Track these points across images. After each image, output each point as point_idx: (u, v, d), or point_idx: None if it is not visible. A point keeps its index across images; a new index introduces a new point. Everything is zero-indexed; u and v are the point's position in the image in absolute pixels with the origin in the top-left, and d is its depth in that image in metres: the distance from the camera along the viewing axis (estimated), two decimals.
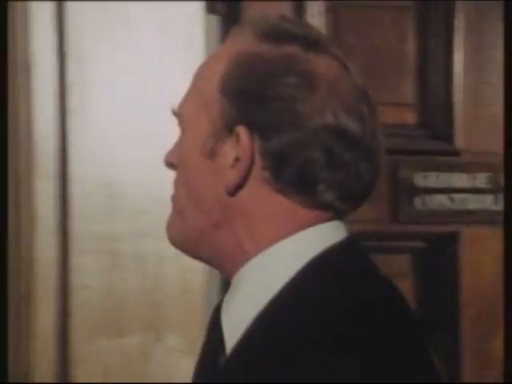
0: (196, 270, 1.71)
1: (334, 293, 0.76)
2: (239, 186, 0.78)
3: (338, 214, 0.81)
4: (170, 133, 0.92)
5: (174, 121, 0.84)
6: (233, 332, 0.78)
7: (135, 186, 1.68)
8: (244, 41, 0.80)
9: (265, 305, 0.76)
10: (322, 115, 0.76)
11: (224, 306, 0.81)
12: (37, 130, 1.64)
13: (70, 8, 1.64)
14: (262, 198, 0.78)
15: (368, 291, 0.78)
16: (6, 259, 2.29)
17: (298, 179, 0.77)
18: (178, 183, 0.84)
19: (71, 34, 1.65)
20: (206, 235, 0.81)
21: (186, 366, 1.81)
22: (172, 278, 1.78)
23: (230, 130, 0.77)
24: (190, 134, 0.82)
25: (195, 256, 0.85)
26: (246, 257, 0.80)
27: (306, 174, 0.77)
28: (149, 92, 1.70)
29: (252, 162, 0.77)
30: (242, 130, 0.77)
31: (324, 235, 0.79)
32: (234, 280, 0.81)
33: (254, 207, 0.79)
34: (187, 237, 0.83)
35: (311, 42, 0.79)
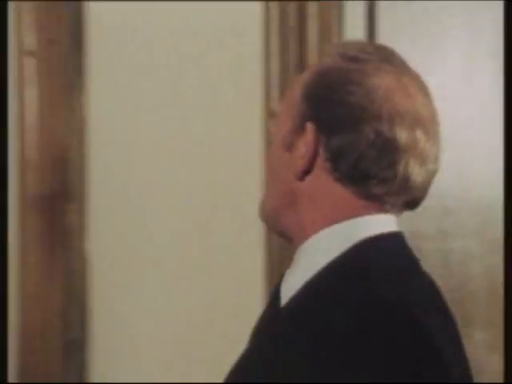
0: (500, 269, 1.71)
1: (362, 276, 0.87)
2: (306, 173, 0.92)
3: (388, 209, 0.91)
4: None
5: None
6: (287, 293, 0.92)
7: (441, 186, 1.74)
8: (328, 58, 0.95)
9: (311, 277, 0.90)
10: (377, 122, 0.88)
11: (285, 276, 0.95)
12: None
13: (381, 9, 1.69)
14: (323, 184, 0.91)
15: (390, 284, 0.86)
16: (6, 259, 2.38)
17: (353, 172, 0.89)
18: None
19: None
20: (279, 213, 0.96)
21: (495, 361, 1.83)
22: (477, 276, 1.80)
23: (303, 127, 0.92)
24: (278, 130, 0.99)
25: (274, 230, 1.01)
26: (304, 236, 0.93)
27: (360, 168, 0.89)
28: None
29: (316, 154, 0.91)
30: (309, 127, 0.91)
31: (370, 225, 0.91)
32: (295, 256, 0.94)
33: (315, 192, 0.92)
34: (267, 213, 0.99)
35: (380, 60, 0.91)
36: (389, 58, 0.93)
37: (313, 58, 1.29)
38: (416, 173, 0.89)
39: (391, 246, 0.91)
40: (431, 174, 0.93)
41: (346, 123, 0.89)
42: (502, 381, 1.46)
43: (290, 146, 0.94)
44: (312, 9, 1.32)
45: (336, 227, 0.91)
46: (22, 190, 1.87)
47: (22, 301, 1.91)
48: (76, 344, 1.80)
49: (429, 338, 0.83)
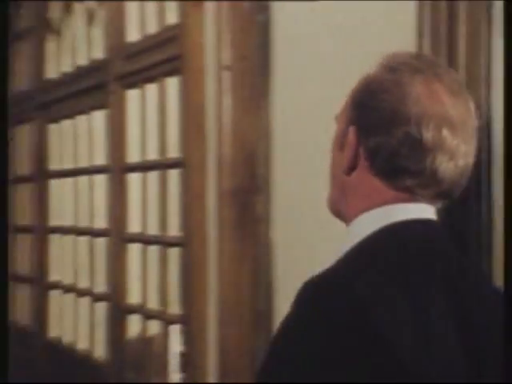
0: None
1: (380, 252, 1.00)
2: (351, 169, 1.08)
3: (419, 200, 1.03)
4: None
5: None
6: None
7: None
8: (375, 69, 1.07)
9: (347, 251, 1.04)
10: (406, 125, 1.00)
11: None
12: None
13: None
14: (364, 179, 1.06)
15: (365, 265, 0.99)
16: (6, 259, 2.27)
17: (386, 168, 1.03)
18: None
19: None
20: (336, 202, 1.14)
21: None
22: None
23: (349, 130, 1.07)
24: (336, 132, 1.13)
25: (336, 216, 1.16)
26: (350, 219, 1.09)
27: (392, 164, 1.02)
28: None
29: (357, 153, 1.06)
30: (351, 130, 1.07)
31: (398, 212, 1.03)
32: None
33: (358, 185, 1.07)
34: (330, 203, 1.16)
35: (415, 70, 1.03)
36: (424, 68, 1.04)
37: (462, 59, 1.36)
38: (444, 167, 1.00)
39: (411, 231, 1.03)
40: (462, 169, 1.03)
41: (380, 126, 1.03)
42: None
43: (341, 147, 1.10)
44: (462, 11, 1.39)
45: (371, 213, 1.05)
46: (219, 184, 2.10)
47: (219, 282, 2.14)
48: (263, 315, 1.97)
49: (364, 315, 0.92)
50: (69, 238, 3.28)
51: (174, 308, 2.50)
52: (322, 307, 0.95)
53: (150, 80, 2.57)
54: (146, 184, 2.65)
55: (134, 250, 2.75)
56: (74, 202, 3.23)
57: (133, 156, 2.71)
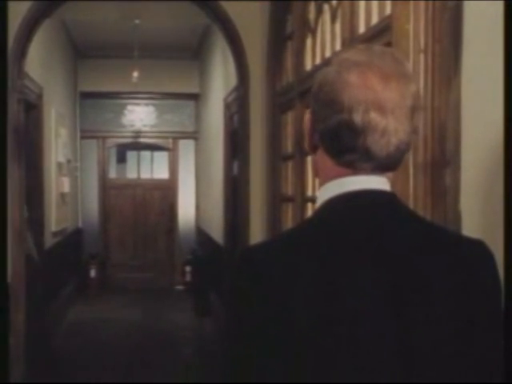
0: None
1: (324, 216, 1.08)
2: (311, 150, 1.16)
3: (362, 173, 1.08)
4: None
5: None
6: None
7: None
8: (330, 65, 1.11)
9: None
10: (340, 112, 1.05)
11: None
12: None
13: None
14: (321, 158, 1.13)
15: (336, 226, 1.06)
16: (5, 255, 1.94)
17: (331, 148, 1.09)
18: None
19: None
20: (317, 177, 1.19)
21: None
22: None
23: None
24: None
25: None
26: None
27: (334, 145, 1.09)
28: None
29: (313, 137, 1.13)
30: (307, 118, 1.15)
31: (342, 184, 1.09)
32: None
33: (319, 164, 1.15)
34: (317, 178, 1.21)
35: (353, 63, 1.06)
36: (361, 60, 1.06)
37: None
38: (376, 144, 1.05)
39: (349, 201, 1.08)
40: (395, 145, 1.05)
41: (323, 114, 1.08)
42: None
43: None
44: None
45: (325, 186, 1.12)
46: (414, 157, 2.07)
47: None
48: None
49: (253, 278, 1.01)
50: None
51: None
52: (236, 274, 1.05)
53: None
54: None
55: None
56: None
57: None
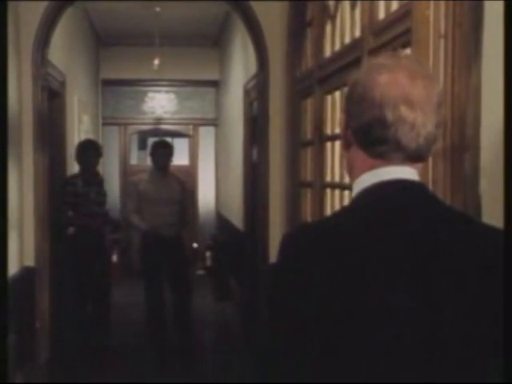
0: None
1: (360, 204, 1.17)
2: (346, 147, 1.24)
3: (394, 163, 1.16)
4: None
5: None
6: None
7: None
8: (359, 71, 1.22)
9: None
10: (372, 108, 1.14)
11: None
12: None
13: None
14: (355, 153, 1.21)
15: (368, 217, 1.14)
16: (5, 255, 1.92)
17: (364, 142, 1.18)
18: None
19: None
20: (349, 171, 1.26)
21: None
22: None
23: None
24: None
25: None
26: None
27: (367, 139, 1.17)
28: None
29: (347, 134, 1.21)
30: (342, 117, 1.25)
31: (378, 174, 1.17)
32: None
33: (353, 158, 1.22)
34: (347, 172, 1.28)
35: (382, 66, 1.17)
36: (390, 63, 1.17)
37: None
38: (406, 136, 1.13)
39: (383, 190, 1.16)
40: (424, 136, 1.14)
41: (356, 111, 1.17)
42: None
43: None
44: None
45: (360, 178, 1.20)
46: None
47: None
48: None
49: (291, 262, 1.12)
50: (337, 192, 3.43)
51: None
52: (282, 255, 1.14)
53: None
54: None
55: None
56: (340, 161, 3.36)
57: None
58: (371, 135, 1.16)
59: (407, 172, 1.17)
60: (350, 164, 1.24)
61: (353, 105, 1.19)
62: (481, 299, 1.10)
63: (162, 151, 5.23)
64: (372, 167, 1.18)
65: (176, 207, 5.17)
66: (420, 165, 1.20)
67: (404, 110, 1.12)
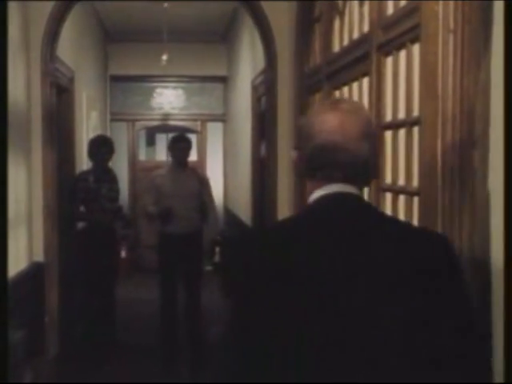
0: None
1: (305, 212, 1.49)
2: (299, 177, 1.58)
3: (335, 181, 1.40)
4: None
5: None
6: None
7: None
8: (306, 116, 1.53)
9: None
10: (313, 142, 1.42)
11: None
12: None
13: None
14: (308, 182, 1.46)
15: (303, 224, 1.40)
16: (5, 256, 1.92)
17: (312, 169, 1.44)
18: None
19: None
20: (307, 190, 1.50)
21: None
22: None
23: None
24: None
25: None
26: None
27: (313, 165, 1.43)
28: None
29: (298, 166, 1.49)
30: (293, 153, 1.51)
31: (323, 190, 1.41)
32: None
33: (307, 182, 1.47)
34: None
35: (325, 107, 1.48)
36: (327, 105, 1.49)
37: None
38: (341, 160, 1.39)
39: (327, 200, 1.39)
40: (357, 159, 1.39)
41: (303, 146, 1.45)
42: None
43: None
44: None
45: (312, 195, 1.43)
46: (442, 138, 2.06)
47: (442, 230, 2.11)
48: (480, 264, 1.91)
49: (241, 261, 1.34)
50: None
51: None
52: (233, 252, 1.47)
53: (401, 47, 2.57)
54: (397, 140, 2.67)
55: (387, 198, 2.79)
56: None
57: (389, 115, 2.75)
58: (316, 162, 1.42)
59: (347, 187, 1.41)
60: (308, 190, 1.48)
61: (301, 141, 1.47)
62: (411, 298, 1.27)
63: (181, 145, 5.16)
64: (320, 186, 1.42)
65: (194, 202, 5.10)
66: (363, 184, 1.47)
67: (338, 139, 1.39)
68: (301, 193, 4.17)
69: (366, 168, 1.42)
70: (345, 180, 1.40)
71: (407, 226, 1.51)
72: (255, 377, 1.25)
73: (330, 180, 1.40)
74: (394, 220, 1.51)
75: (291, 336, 1.25)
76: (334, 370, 1.24)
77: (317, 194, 1.41)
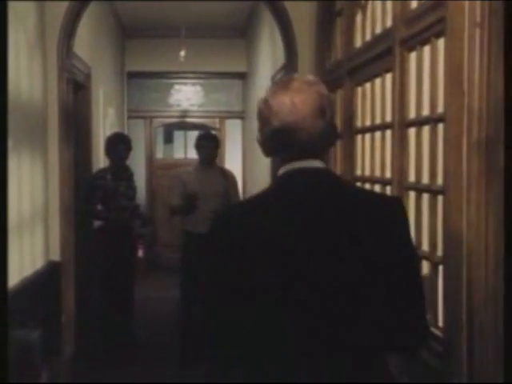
0: None
1: (277, 185, 1.60)
2: (267, 155, 1.64)
3: (297, 157, 1.54)
4: None
5: None
6: None
7: None
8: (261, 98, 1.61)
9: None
10: (271, 122, 1.54)
11: None
12: None
13: None
14: (275, 157, 1.63)
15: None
16: (6, 257, 1.91)
17: (273, 149, 1.60)
18: None
19: None
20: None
21: None
22: None
23: None
24: None
25: None
26: None
27: (274, 147, 1.58)
28: None
29: (264, 145, 1.63)
30: (258, 134, 1.63)
31: (285, 169, 1.56)
32: None
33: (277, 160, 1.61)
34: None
35: (279, 86, 1.57)
36: (286, 84, 1.54)
37: None
38: (298, 140, 1.51)
39: (294, 174, 1.54)
40: (313, 136, 1.51)
41: (262, 128, 1.57)
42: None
43: None
44: None
45: (279, 171, 1.57)
46: (468, 135, 2.04)
47: (467, 228, 2.10)
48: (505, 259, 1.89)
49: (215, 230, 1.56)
50: (367, 186, 3.41)
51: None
52: (214, 227, 1.57)
53: (425, 42, 2.55)
54: (421, 138, 2.65)
55: (411, 197, 2.77)
56: (371, 155, 3.34)
57: (412, 112, 2.72)
58: (276, 143, 1.55)
59: (307, 162, 1.54)
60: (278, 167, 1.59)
61: (261, 124, 1.57)
62: (373, 249, 1.49)
63: (207, 144, 5.11)
64: (284, 164, 1.56)
65: (220, 202, 5.04)
66: (322, 154, 1.57)
67: (293, 120, 1.50)
68: None
69: (322, 140, 1.54)
70: (304, 156, 1.53)
71: (363, 189, 1.79)
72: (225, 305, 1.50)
73: (290, 158, 1.54)
74: (351, 185, 1.77)
75: (259, 273, 1.48)
76: (296, 305, 1.47)
77: (281, 170, 1.56)
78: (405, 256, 1.55)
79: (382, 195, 1.74)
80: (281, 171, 1.56)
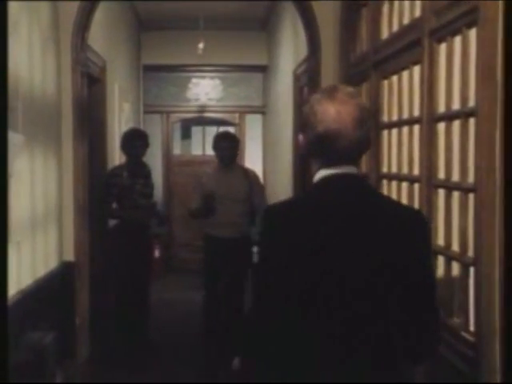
0: None
1: (316, 188, 1.79)
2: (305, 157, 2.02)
3: (337, 164, 1.73)
4: None
5: None
6: None
7: None
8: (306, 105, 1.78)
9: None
10: (315, 128, 1.72)
11: None
12: None
13: None
14: (312, 160, 1.80)
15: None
16: (5, 256, 1.88)
17: (313, 153, 1.78)
18: None
19: None
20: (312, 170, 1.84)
21: None
22: None
23: None
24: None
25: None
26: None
27: (315, 151, 1.76)
28: None
29: (306, 149, 1.80)
30: (299, 137, 1.81)
31: (324, 173, 1.75)
32: None
33: (312, 163, 1.80)
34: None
35: (325, 94, 1.74)
36: (332, 94, 1.72)
37: None
38: (340, 145, 1.70)
39: (330, 180, 1.73)
40: (353, 144, 1.70)
41: (305, 131, 1.76)
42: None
43: None
44: None
45: (317, 173, 1.77)
46: (501, 132, 2.02)
47: (500, 226, 2.08)
48: None
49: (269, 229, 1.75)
50: (394, 184, 3.39)
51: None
52: (264, 224, 1.75)
53: (456, 33, 2.52)
54: (450, 133, 2.62)
55: (440, 195, 2.75)
56: (398, 151, 3.31)
57: (442, 106, 2.70)
58: (318, 147, 1.73)
59: (344, 168, 1.72)
60: (312, 170, 1.78)
61: (305, 128, 1.76)
62: (395, 257, 1.67)
63: (226, 144, 5.05)
64: (322, 168, 1.75)
65: (241, 207, 5.01)
66: (358, 161, 1.77)
67: (336, 129, 1.69)
68: None
69: (360, 149, 1.75)
70: (342, 162, 1.72)
71: (389, 197, 2.18)
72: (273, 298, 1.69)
73: (330, 163, 1.73)
74: (387, 198, 2.10)
75: (302, 273, 1.66)
76: (334, 304, 1.65)
77: (319, 174, 1.75)
78: (421, 269, 1.72)
79: (406, 206, 2.02)
80: (320, 174, 1.75)
